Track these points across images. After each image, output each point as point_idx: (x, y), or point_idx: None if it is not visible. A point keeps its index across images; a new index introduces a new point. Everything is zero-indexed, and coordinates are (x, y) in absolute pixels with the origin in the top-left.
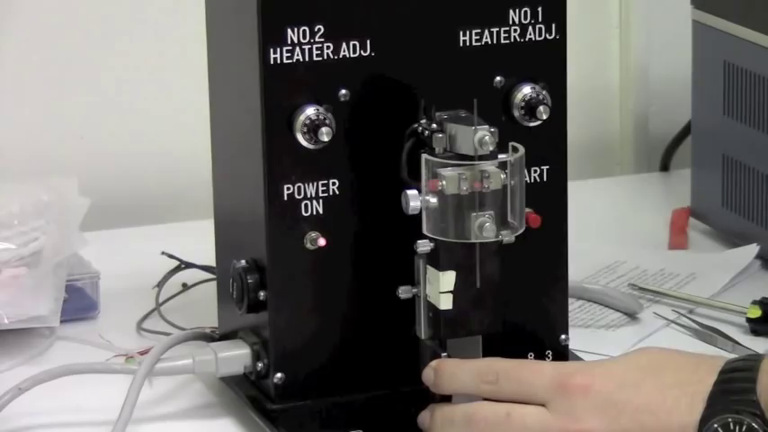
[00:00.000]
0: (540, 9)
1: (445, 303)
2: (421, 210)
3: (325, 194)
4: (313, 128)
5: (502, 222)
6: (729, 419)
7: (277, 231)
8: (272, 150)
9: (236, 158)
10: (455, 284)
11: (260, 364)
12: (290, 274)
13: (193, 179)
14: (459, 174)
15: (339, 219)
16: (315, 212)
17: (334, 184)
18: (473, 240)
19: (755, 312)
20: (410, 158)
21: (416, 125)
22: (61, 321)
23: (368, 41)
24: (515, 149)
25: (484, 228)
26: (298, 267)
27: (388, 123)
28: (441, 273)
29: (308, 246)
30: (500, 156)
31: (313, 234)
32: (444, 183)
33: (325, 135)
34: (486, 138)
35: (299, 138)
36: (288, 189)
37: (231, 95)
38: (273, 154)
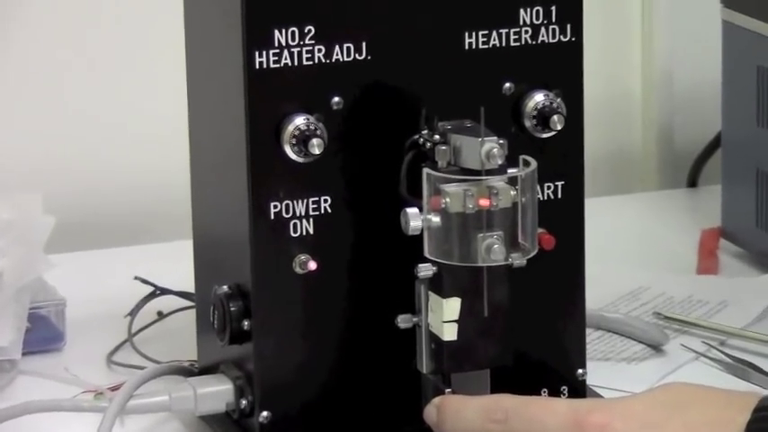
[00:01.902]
0: (553, 8)
1: (449, 334)
2: (422, 230)
3: (317, 213)
4: (303, 139)
5: (512, 244)
6: None
7: (263, 254)
8: (258, 164)
9: (218, 173)
10: (460, 313)
11: (244, 401)
12: (278, 301)
13: (170, 196)
14: (464, 190)
15: (332, 240)
16: (305, 233)
17: (326, 201)
18: (480, 264)
19: None
20: (410, 173)
21: (417, 136)
22: (23, 353)
23: (363, 44)
24: (527, 163)
25: (492, 250)
26: (286, 293)
27: (386, 134)
28: (444, 300)
29: (298, 270)
30: (510, 170)
31: (302, 257)
32: (448, 200)
33: (316, 147)
34: (495, 150)
35: (288, 150)
36: (275, 207)
37: (212, 104)
38: (259, 168)
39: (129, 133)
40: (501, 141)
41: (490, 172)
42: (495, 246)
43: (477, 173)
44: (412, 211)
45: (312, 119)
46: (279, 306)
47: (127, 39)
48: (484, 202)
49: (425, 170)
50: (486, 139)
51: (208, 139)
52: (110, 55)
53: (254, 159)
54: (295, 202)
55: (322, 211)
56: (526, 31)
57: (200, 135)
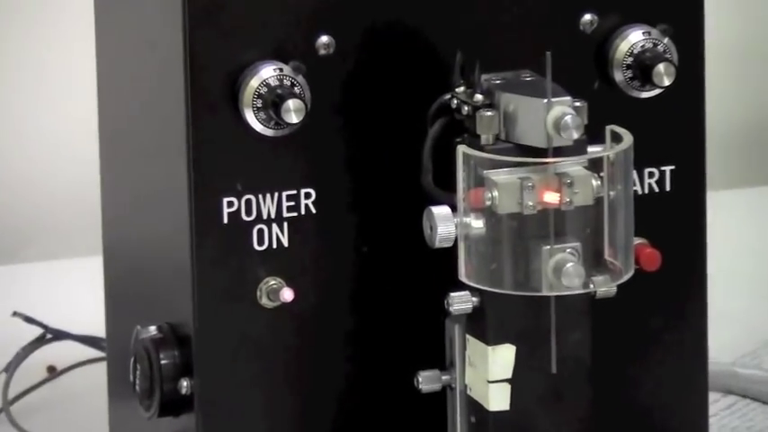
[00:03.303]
0: None
1: (498, 400)
2: (456, 240)
3: (294, 214)
4: (273, 101)
5: (594, 262)
6: None
7: (211, 277)
8: (203, 139)
9: (143, 159)
10: (515, 368)
11: None
12: (234, 350)
13: (64, 195)
14: (521, 179)
15: (316, 255)
16: (275, 245)
17: (308, 196)
18: (545, 293)
19: None
20: (438, 153)
21: (448, 97)
22: None
23: None
24: (617, 138)
25: (564, 271)
26: (246, 338)
27: (401, 94)
28: (490, 348)
29: (265, 301)
30: (591, 148)
31: (272, 282)
32: (496, 194)
33: (293, 113)
34: (568, 118)
35: (250, 118)
36: (230, 205)
37: (132, 59)
38: (205, 145)
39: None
40: (578, 104)
41: (561, 151)
42: (570, 265)
43: (542, 152)
44: (440, 211)
45: (287, 70)
46: (236, 358)
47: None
48: (552, 198)
49: (461, 148)
50: (554, 100)
51: (127, 111)
52: None
53: (198, 132)
54: (261, 197)
55: (302, 212)
56: None
57: (112, 107)
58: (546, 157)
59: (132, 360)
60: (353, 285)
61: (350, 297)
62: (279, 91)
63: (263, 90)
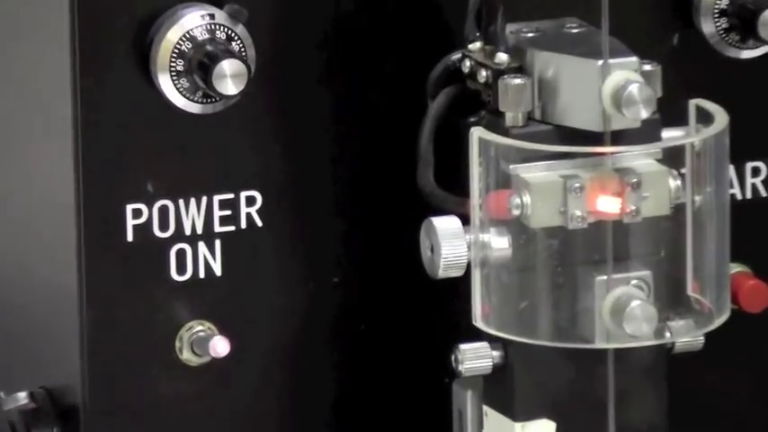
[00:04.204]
0: None
1: None
2: (469, 267)
3: (230, 228)
4: (200, 63)
5: (672, 299)
6: None
7: (108, 323)
8: (96, 119)
9: (17, 157)
10: None
11: None
12: (139, 426)
13: None
14: (564, 179)
15: (262, 288)
16: (202, 272)
17: (250, 202)
18: (599, 345)
19: None
20: (441, 139)
21: (457, 56)
22: None
23: None
24: (706, 117)
25: (629, 313)
26: (159, 409)
27: (386, 52)
28: (518, 426)
29: (186, 356)
30: (667, 133)
31: (199, 328)
32: (528, 200)
33: (229, 80)
34: (634, 89)
35: (165, 87)
36: (137, 215)
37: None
38: (101, 127)
39: None
40: (648, 67)
41: (623, 137)
42: (636, 304)
43: (595, 139)
44: (445, 224)
45: (222, 17)
46: None
47: None
48: (610, 206)
49: (477, 132)
50: (614, 61)
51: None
52: None
53: (89, 107)
54: (183, 203)
55: (242, 224)
56: None
57: None
58: (601, 145)
59: None
60: (318, 332)
61: (311, 349)
62: (209, 48)
63: (186, 46)
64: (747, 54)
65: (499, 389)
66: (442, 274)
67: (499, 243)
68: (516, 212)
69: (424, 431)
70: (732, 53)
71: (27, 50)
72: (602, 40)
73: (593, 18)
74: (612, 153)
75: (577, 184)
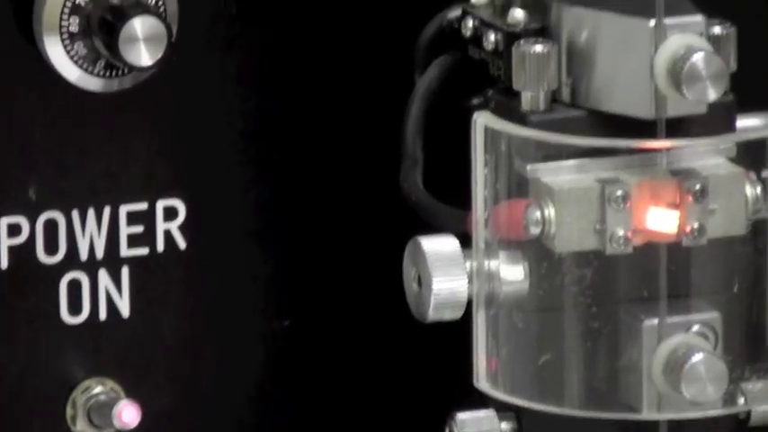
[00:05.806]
0: None
1: None
2: (469, 306)
3: (140, 251)
4: (102, 18)
5: (748, 352)
6: None
7: None
8: None
9: None
10: None
11: None
12: None
13: None
14: (601, 183)
15: (185, 334)
16: (104, 313)
17: (170, 214)
18: (648, 416)
19: None
20: (432, 127)
21: (455, 14)
22: None
23: None
24: None
25: (688, 371)
26: None
27: (355, 11)
28: None
29: (81, 428)
30: (743, 122)
31: (98, 389)
32: (552, 213)
33: (142, 47)
34: (698, 58)
35: (54, 54)
36: (14, 232)
37: None
38: None
39: None
40: (718, 29)
41: (683, 127)
42: (698, 358)
43: (644, 128)
44: (437, 246)
45: None
46: None
47: None
48: (664, 223)
49: (482, 119)
50: (670, 22)
51: None
52: None
53: None
54: (78, 215)
55: (159, 247)
56: None
57: None
58: (653, 137)
59: None
60: (263, 391)
61: (254, 411)
62: (115, 0)
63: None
64: None
65: None
66: (432, 315)
67: (512, 273)
68: (535, 231)
69: None
70: None
71: None
72: None
73: None
74: (668, 148)
75: (620, 192)
